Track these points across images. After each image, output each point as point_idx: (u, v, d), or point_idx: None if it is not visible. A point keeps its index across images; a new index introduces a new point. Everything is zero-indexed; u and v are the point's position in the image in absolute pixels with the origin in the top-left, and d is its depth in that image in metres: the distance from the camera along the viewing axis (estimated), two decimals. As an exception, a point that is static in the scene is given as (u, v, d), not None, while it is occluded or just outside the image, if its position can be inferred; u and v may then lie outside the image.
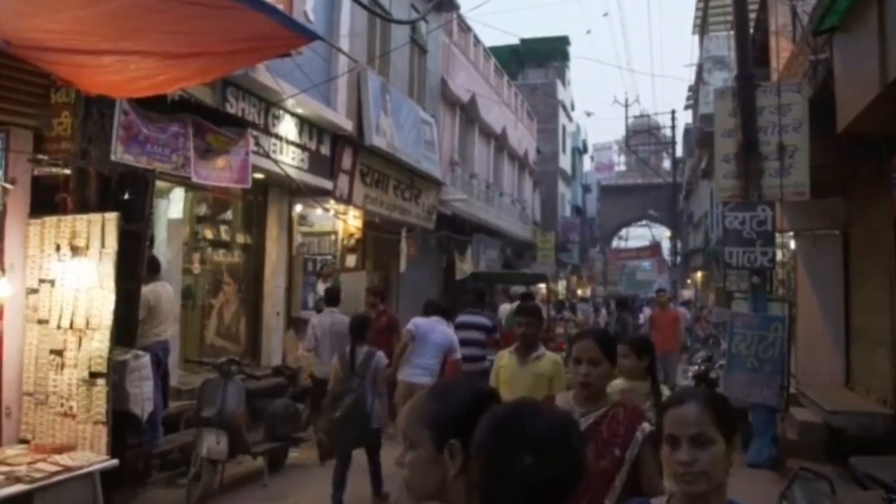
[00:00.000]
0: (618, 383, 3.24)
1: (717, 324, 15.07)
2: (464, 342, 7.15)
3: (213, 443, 5.61)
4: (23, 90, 4.74)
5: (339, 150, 10.05)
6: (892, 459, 5.34)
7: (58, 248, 4.80)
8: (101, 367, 4.54)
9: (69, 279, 4.72)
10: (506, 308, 11.61)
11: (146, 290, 5.66)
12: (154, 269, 6.11)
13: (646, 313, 16.34)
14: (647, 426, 2.32)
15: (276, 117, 8.45)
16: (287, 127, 8.70)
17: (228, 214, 8.92)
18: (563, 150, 31.12)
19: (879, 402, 7.04)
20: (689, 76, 30.95)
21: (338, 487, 5.33)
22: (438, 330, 6.80)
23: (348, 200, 10.43)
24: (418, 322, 6.89)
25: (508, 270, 19.10)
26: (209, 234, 8.45)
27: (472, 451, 1.16)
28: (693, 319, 18.58)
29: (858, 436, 6.40)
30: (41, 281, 4.85)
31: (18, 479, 3.88)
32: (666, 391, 3.28)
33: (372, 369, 5.46)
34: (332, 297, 7.47)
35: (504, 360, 3.80)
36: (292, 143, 8.84)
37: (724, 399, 1.66)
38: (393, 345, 6.98)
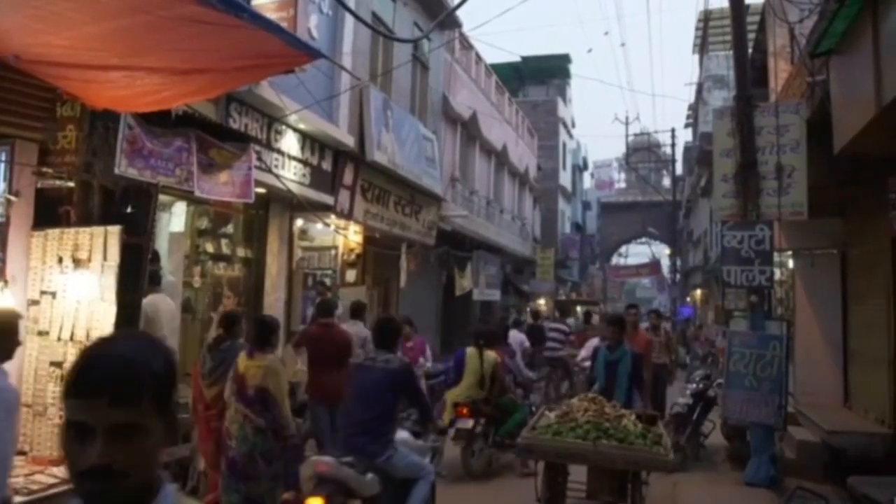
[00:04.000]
0: None
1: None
2: (551, 339, 12.22)
3: (210, 456, 5.59)
4: (29, 103, 4.80)
5: (341, 166, 10.11)
6: (891, 480, 5.33)
7: (60, 260, 4.83)
8: (101, 380, 4.55)
9: (71, 291, 4.74)
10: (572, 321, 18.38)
11: (145, 301, 5.67)
12: (154, 282, 6.13)
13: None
14: None
15: (279, 133, 8.52)
16: (289, 142, 8.76)
17: (229, 228, 8.95)
18: (564, 167, 31.26)
19: (878, 422, 7.03)
20: (690, 95, 31.18)
21: None
22: (514, 335, 10.56)
23: (349, 215, 10.47)
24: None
25: (579, 299, 29.75)
26: (210, 247, 8.47)
27: None
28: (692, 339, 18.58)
29: (857, 456, 6.38)
30: (42, 293, 4.87)
31: (16, 492, 3.87)
32: None
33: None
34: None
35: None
36: (294, 159, 8.90)
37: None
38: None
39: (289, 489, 4.13)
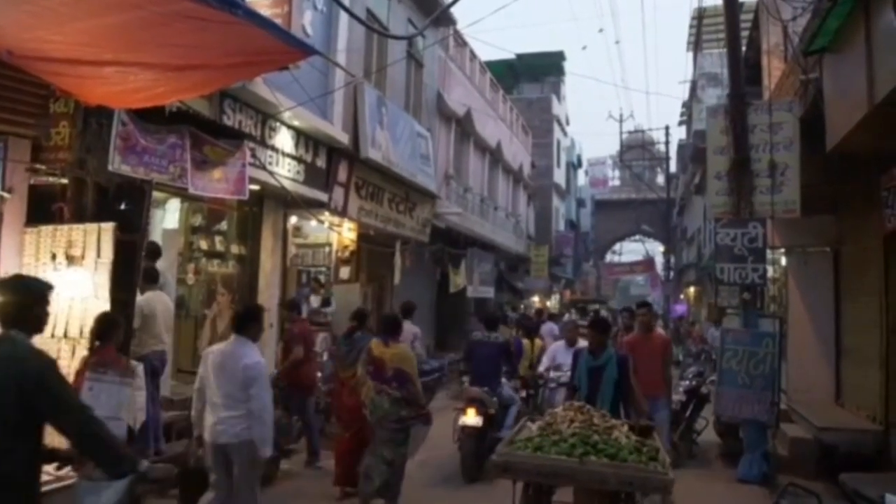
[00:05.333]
0: None
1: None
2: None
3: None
4: (22, 100, 4.78)
5: (335, 163, 10.09)
6: (882, 476, 5.38)
7: (53, 257, 4.82)
8: (95, 377, 4.53)
9: (64, 288, 4.72)
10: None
11: (140, 299, 5.66)
12: (152, 279, 6.11)
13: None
14: None
15: (273, 129, 8.49)
16: (283, 139, 8.74)
17: (223, 225, 8.94)
18: (558, 165, 31.27)
19: (869, 419, 7.08)
20: (684, 92, 31.24)
21: None
22: (548, 327, 12.17)
23: (343, 213, 10.46)
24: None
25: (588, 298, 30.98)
26: (204, 244, 8.46)
27: None
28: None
29: (848, 452, 6.43)
30: (36, 290, 4.85)
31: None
32: None
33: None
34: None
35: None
36: (288, 156, 8.88)
37: None
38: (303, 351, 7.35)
39: (416, 440, 5.83)
